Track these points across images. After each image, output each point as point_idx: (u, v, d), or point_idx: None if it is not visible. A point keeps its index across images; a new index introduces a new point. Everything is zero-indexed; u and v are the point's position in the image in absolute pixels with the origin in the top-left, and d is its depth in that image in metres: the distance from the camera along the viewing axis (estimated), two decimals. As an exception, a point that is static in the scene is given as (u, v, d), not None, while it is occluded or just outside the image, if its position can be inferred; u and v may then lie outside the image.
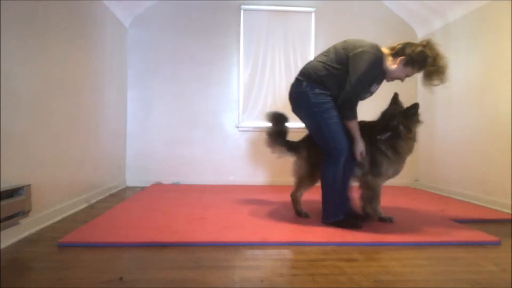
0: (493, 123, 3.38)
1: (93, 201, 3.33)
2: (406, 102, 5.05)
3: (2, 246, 1.97)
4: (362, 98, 2.51)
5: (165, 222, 2.51)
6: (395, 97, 2.73)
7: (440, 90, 4.26)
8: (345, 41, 2.53)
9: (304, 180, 2.70)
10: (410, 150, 2.61)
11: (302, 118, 2.53)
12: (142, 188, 4.16)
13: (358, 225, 2.40)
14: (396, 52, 2.40)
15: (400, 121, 2.52)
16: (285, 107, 4.62)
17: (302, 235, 2.25)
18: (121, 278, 1.59)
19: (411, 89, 4.81)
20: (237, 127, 4.58)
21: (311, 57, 4.66)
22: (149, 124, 4.55)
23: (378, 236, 2.26)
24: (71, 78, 2.93)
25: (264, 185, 4.49)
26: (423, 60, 2.38)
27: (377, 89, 2.57)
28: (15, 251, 1.95)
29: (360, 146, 2.44)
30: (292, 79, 3.69)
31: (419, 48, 2.36)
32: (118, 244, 2.05)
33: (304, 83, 2.40)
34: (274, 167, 4.59)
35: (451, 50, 4.07)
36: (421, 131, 4.64)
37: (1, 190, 1.93)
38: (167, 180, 4.50)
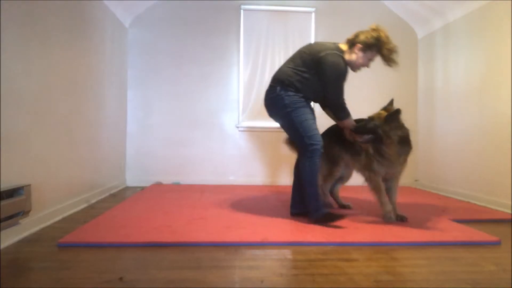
0: (493, 123, 3.38)
1: (93, 201, 3.33)
2: (406, 101, 5.07)
3: (2, 246, 1.97)
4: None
5: (165, 222, 2.51)
6: (391, 103, 2.78)
7: (440, 90, 4.28)
8: (308, 45, 2.68)
9: (325, 176, 2.84)
10: (396, 153, 2.54)
11: (278, 119, 2.67)
12: (142, 188, 4.16)
13: (340, 216, 2.50)
14: (351, 43, 2.57)
15: (378, 125, 2.54)
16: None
17: (302, 235, 2.25)
18: (121, 278, 1.59)
19: (411, 89, 4.82)
20: (237, 127, 4.58)
21: (311, 57, 4.67)
22: (149, 124, 4.55)
23: (378, 236, 2.26)
24: (71, 78, 2.93)
25: (264, 185, 4.49)
26: (378, 40, 2.52)
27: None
28: (15, 251, 1.95)
29: (349, 133, 2.62)
30: None
31: (371, 32, 2.55)
32: (118, 244, 2.05)
33: (278, 88, 2.56)
34: (274, 167, 4.60)
35: (451, 50, 4.08)
36: (421, 131, 4.67)
37: (1, 190, 1.93)
38: (167, 180, 4.50)
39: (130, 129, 4.54)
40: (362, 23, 4.76)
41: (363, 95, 4.73)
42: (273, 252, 2.00)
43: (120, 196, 3.75)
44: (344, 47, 2.60)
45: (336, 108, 2.59)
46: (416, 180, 4.74)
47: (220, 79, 4.62)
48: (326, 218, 2.47)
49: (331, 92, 2.53)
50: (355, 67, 2.63)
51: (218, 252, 1.97)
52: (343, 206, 3.09)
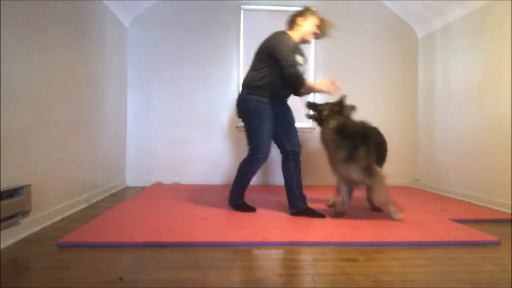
0: (493, 123, 3.38)
1: (93, 201, 3.33)
2: (406, 101, 5.06)
3: (2, 246, 1.97)
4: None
5: (165, 222, 2.51)
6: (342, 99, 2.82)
7: (440, 90, 4.28)
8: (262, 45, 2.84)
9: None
10: (331, 141, 2.61)
11: (242, 120, 2.93)
12: (142, 188, 4.16)
13: (253, 208, 2.88)
14: (290, 24, 2.85)
15: (324, 108, 2.73)
16: (285, 107, 4.64)
17: (302, 235, 2.25)
18: (121, 278, 1.59)
19: (411, 89, 4.82)
20: (237, 127, 4.58)
21: (311, 57, 4.66)
22: (149, 124, 4.55)
23: (378, 236, 2.26)
24: (71, 78, 2.93)
25: (264, 185, 4.49)
26: (308, 10, 2.89)
27: (305, 61, 2.87)
28: (15, 251, 1.95)
29: (324, 85, 2.68)
30: None
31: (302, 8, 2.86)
32: (118, 244, 2.05)
33: (245, 91, 2.79)
34: (273, 167, 4.60)
35: (451, 50, 4.08)
36: (421, 131, 4.67)
37: (1, 190, 1.93)
38: (167, 180, 4.50)
39: (130, 129, 4.54)
40: (362, 23, 4.81)
41: (363, 95, 4.73)
42: (273, 252, 2.00)
43: (120, 196, 3.75)
44: (289, 32, 2.80)
45: (293, 78, 2.64)
46: (416, 180, 4.74)
47: (220, 79, 4.62)
48: (239, 207, 2.90)
49: (284, 64, 2.61)
50: (307, 35, 2.83)
51: (218, 252, 1.97)
52: (375, 209, 2.99)
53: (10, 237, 2.05)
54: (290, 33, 2.77)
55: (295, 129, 2.90)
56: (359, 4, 4.71)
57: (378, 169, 2.65)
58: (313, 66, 4.67)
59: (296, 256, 1.95)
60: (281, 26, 4.69)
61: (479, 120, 3.58)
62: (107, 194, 3.73)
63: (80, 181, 3.12)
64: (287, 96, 2.92)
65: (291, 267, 1.78)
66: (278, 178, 4.60)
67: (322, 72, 4.69)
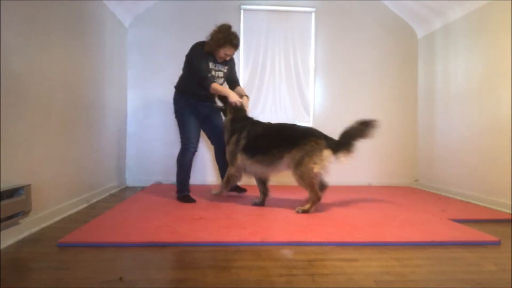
0: (493, 123, 3.38)
1: (93, 201, 3.33)
2: (406, 101, 5.06)
3: (2, 246, 1.97)
4: (214, 79, 3.24)
5: (165, 222, 2.51)
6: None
7: (440, 90, 4.28)
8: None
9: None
10: (226, 130, 3.26)
11: (175, 117, 3.35)
12: (142, 188, 4.16)
13: (193, 199, 3.26)
14: (208, 41, 3.21)
15: (229, 102, 3.21)
16: (285, 107, 4.64)
17: (302, 235, 2.25)
18: (121, 278, 1.59)
19: (411, 89, 4.82)
20: (237, 127, 4.57)
21: (311, 57, 4.67)
22: (149, 124, 4.55)
23: (378, 236, 2.26)
24: (71, 78, 2.93)
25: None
26: (217, 28, 3.20)
27: (222, 69, 3.31)
28: (15, 251, 1.95)
29: (233, 97, 3.17)
30: (292, 79, 4.57)
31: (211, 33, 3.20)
32: (118, 244, 2.05)
33: (175, 93, 3.36)
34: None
35: (451, 50, 4.08)
36: (421, 131, 4.67)
37: (1, 190, 1.93)
38: (167, 180, 4.49)
39: (130, 129, 4.54)
40: (362, 23, 4.81)
41: (363, 95, 4.73)
42: (273, 252, 2.00)
43: (120, 196, 3.75)
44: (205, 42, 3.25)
45: (200, 80, 3.13)
46: (416, 180, 4.74)
47: (220, 79, 4.61)
48: (181, 198, 3.27)
49: (193, 70, 3.17)
50: (217, 56, 3.22)
51: (218, 252, 1.97)
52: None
53: (10, 237, 2.05)
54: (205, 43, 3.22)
55: (218, 131, 3.38)
56: (359, 4, 4.72)
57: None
58: (313, 66, 4.67)
59: (296, 256, 1.95)
60: (280, 26, 4.74)
61: (479, 120, 3.58)
62: (107, 194, 3.73)
63: (80, 181, 3.12)
64: (206, 95, 3.30)
65: (291, 267, 1.78)
66: (278, 178, 4.60)
67: (322, 71, 4.69)
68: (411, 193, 4.11)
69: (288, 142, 2.89)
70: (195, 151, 3.32)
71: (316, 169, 2.79)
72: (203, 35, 4.65)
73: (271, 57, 4.63)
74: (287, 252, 2.00)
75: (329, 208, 3.07)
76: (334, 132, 4.78)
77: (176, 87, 3.37)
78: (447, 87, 4.14)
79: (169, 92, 3.52)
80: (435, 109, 4.38)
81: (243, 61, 4.60)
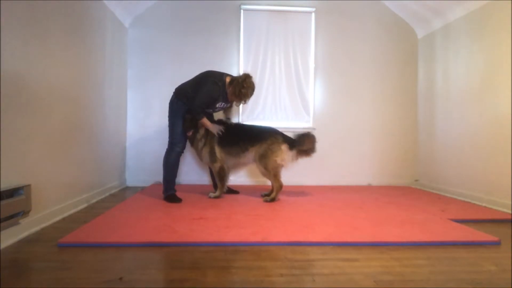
0: (493, 123, 3.38)
1: (93, 201, 3.33)
2: (406, 101, 5.06)
3: (2, 246, 1.97)
4: (214, 110, 3.53)
5: (165, 222, 2.51)
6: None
7: (440, 90, 4.28)
8: (205, 72, 3.47)
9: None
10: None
11: (168, 117, 3.50)
12: (142, 188, 4.16)
13: (179, 199, 3.28)
14: (229, 82, 3.36)
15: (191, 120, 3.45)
16: (285, 107, 4.64)
17: (302, 235, 2.25)
18: (121, 278, 1.59)
19: (411, 89, 4.83)
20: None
21: (311, 57, 4.67)
22: (149, 124, 4.55)
23: (378, 236, 2.26)
24: (71, 78, 2.93)
25: (264, 185, 4.49)
26: (237, 78, 3.35)
27: (225, 105, 3.52)
28: (15, 251, 1.95)
29: (215, 128, 3.42)
30: (292, 79, 4.64)
31: (236, 79, 3.34)
32: (118, 244, 2.05)
33: (174, 96, 3.45)
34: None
35: (451, 50, 4.08)
36: (421, 131, 4.68)
37: (1, 190, 1.93)
38: (167, 180, 4.49)
39: (130, 129, 4.54)
40: (362, 23, 4.81)
41: (363, 95, 4.73)
42: (273, 252, 2.00)
43: (120, 196, 3.75)
44: (228, 79, 3.38)
45: (194, 112, 3.34)
46: (416, 180, 4.74)
47: (220, 79, 4.61)
48: (167, 198, 3.29)
49: (196, 99, 3.31)
50: (230, 99, 3.43)
51: (218, 252, 1.97)
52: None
53: (10, 237, 2.06)
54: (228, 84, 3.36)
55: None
56: (359, 4, 4.71)
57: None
58: (313, 66, 4.67)
59: (296, 256, 1.95)
60: (280, 26, 4.74)
61: (479, 120, 3.58)
62: (107, 194, 3.73)
63: (80, 181, 3.12)
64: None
65: (291, 267, 1.78)
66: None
67: (322, 71, 4.69)
68: (411, 193, 4.11)
69: (252, 138, 3.39)
70: (181, 151, 3.42)
71: (278, 160, 3.30)
72: (203, 35, 4.68)
73: (271, 57, 4.63)
74: (287, 252, 2.00)
75: (329, 208, 3.07)
76: (334, 132, 4.79)
77: (177, 92, 3.42)
78: (447, 87, 4.14)
79: (169, 92, 3.53)
80: (435, 109, 4.38)
81: (243, 61, 4.60)
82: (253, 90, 3.37)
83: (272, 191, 3.42)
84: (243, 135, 3.45)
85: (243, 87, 3.27)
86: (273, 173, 3.34)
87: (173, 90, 3.51)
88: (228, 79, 3.35)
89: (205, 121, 3.38)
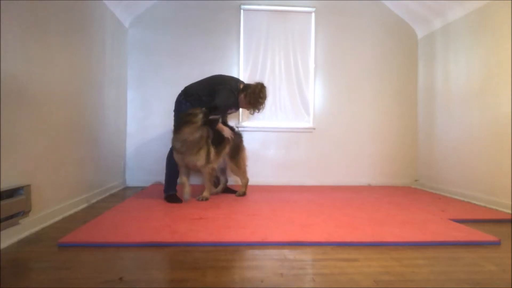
0: (493, 123, 3.38)
1: (93, 201, 3.33)
2: (406, 101, 5.06)
3: (2, 246, 1.97)
4: (225, 115, 3.63)
5: (165, 222, 2.51)
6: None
7: (440, 90, 4.28)
8: (219, 78, 3.49)
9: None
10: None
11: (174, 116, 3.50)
12: (142, 188, 4.16)
13: (179, 199, 3.25)
14: (242, 89, 3.42)
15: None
16: (285, 107, 4.64)
17: (302, 235, 2.25)
18: (121, 278, 1.59)
19: (411, 89, 4.83)
20: (237, 127, 4.57)
21: (311, 57, 4.67)
22: (149, 124, 4.55)
23: (378, 236, 2.26)
24: (71, 78, 2.93)
25: (264, 185, 4.49)
26: (250, 86, 3.43)
27: (234, 111, 3.75)
28: (15, 251, 1.95)
29: (228, 132, 3.49)
30: (292, 79, 4.64)
31: (252, 87, 3.39)
32: (118, 244, 2.05)
33: (181, 95, 3.42)
34: (273, 167, 4.60)
35: (451, 50, 4.08)
36: (421, 131, 4.68)
37: (1, 190, 1.93)
38: (167, 180, 4.49)
39: (130, 129, 4.53)
40: (362, 23, 4.81)
41: (363, 95, 4.73)
42: (273, 252, 2.00)
43: (120, 196, 3.75)
44: (241, 86, 3.45)
45: (213, 115, 3.26)
46: (416, 180, 4.74)
47: (220, 79, 4.61)
48: (167, 198, 3.27)
49: (216, 103, 3.26)
50: (241, 106, 3.54)
51: (218, 252, 1.97)
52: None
53: (10, 237, 2.05)
54: (240, 91, 3.41)
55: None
56: (359, 4, 4.72)
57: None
58: (313, 66, 4.67)
59: (296, 256, 1.95)
60: (280, 26, 4.74)
61: (479, 120, 3.58)
62: (107, 194, 3.73)
63: (80, 181, 3.12)
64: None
65: (291, 267, 1.78)
66: (278, 178, 4.61)
67: (322, 71, 4.69)
68: (411, 193, 4.11)
69: (223, 140, 3.51)
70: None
71: (246, 159, 3.70)
72: (203, 35, 4.68)
73: (271, 57, 4.63)
74: (287, 252, 2.00)
75: (329, 208, 3.07)
76: (334, 132, 4.79)
77: (186, 93, 3.40)
78: (447, 87, 4.14)
79: (169, 92, 3.54)
80: (435, 109, 4.38)
81: (243, 61, 4.60)
82: (265, 101, 3.46)
83: (242, 186, 3.70)
84: (219, 138, 3.54)
85: (260, 97, 3.35)
86: (243, 170, 3.70)
87: (174, 90, 3.51)
88: (240, 86, 3.41)
89: (221, 125, 3.45)
